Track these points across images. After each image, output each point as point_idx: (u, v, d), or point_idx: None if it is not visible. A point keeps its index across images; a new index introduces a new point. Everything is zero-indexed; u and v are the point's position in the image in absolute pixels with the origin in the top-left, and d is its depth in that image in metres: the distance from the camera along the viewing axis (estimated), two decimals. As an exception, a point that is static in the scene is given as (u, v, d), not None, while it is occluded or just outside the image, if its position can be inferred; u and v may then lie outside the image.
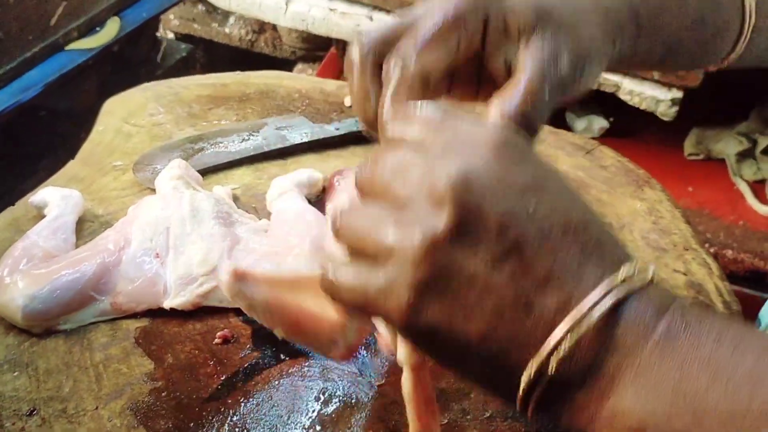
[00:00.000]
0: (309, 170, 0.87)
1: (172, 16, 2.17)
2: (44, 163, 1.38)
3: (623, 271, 0.38)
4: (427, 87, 0.48)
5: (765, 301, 1.32)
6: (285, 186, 0.83)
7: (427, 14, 0.47)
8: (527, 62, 0.47)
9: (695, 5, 0.57)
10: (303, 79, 1.12)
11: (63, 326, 0.71)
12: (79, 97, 1.43)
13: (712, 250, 1.33)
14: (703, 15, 0.57)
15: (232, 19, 2.18)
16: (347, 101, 1.05)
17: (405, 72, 0.47)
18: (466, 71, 0.51)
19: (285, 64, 2.17)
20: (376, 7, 1.38)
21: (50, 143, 1.42)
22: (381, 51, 0.49)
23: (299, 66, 2.15)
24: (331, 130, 0.97)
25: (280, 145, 0.94)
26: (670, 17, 0.56)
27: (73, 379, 0.66)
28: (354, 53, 0.49)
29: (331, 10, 1.39)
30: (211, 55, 2.25)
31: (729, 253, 1.32)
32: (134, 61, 1.62)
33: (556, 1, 0.49)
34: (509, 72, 0.49)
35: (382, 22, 0.47)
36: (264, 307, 0.53)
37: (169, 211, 0.75)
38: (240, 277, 0.52)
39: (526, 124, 0.47)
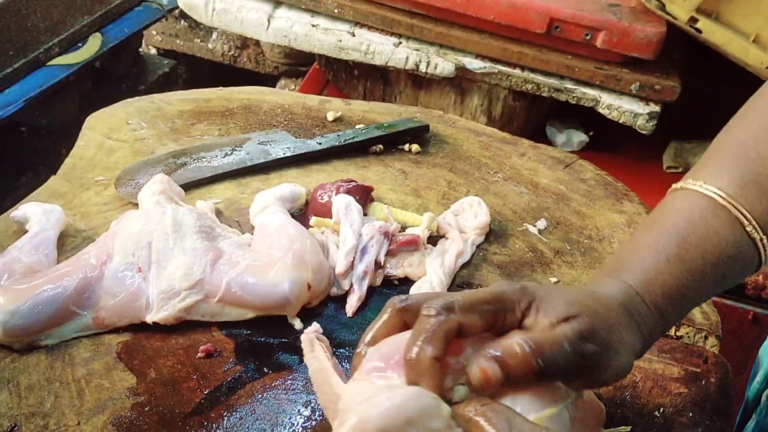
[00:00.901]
0: (291, 185, 0.87)
1: (154, 32, 2.18)
2: (25, 178, 1.37)
3: None
4: (458, 337, 0.52)
5: (745, 311, 1.34)
6: (268, 200, 0.84)
7: (478, 291, 0.54)
8: (557, 324, 0.51)
9: (713, 272, 0.60)
10: (285, 95, 1.12)
11: (44, 342, 0.70)
12: (60, 113, 1.43)
13: (691, 261, 1.34)
14: (723, 274, 0.61)
15: (214, 35, 2.19)
16: (330, 116, 1.06)
17: (448, 319, 0.51)
18: None
19: (268, 80, 2.18)
20: (358, 23, 1.39)
21: (31, 159, 1.41)
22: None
23: (282, 81, 2.15)
24: (313, 144, 0.98)
25: (262, 160, 0.94)
26: (693, 296, 0.61)
27: (55, 395, 0.66)
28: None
29: (313, 26, 1.39)
30: (194, 71, 2.25)
31: (708, 264, 1.34)
32: (116, 76, 1.62)
33: (593, 305, 0.54)
34: None
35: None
36: None
37: (152, 225, 0.75)
38: None
39: (539, 365, 0.50)
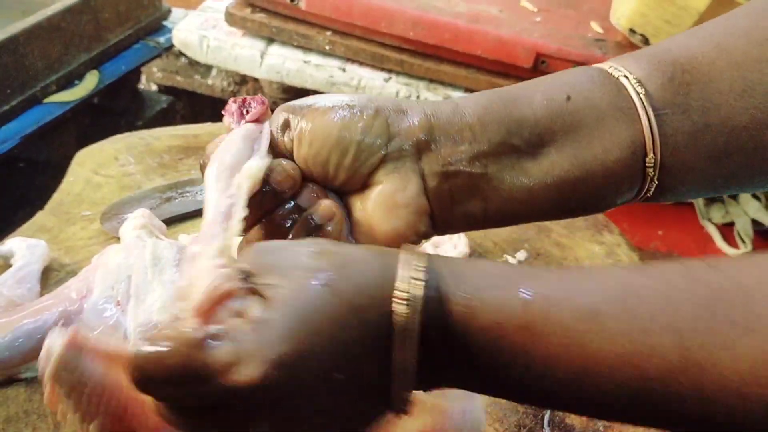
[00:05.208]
0: (273, 218, 0.88)
1: (155, 69, 2.21)
2: (22, 213, 1.39)
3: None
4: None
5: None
6: (248, 234, 0.85)
7: None
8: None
9: (548, 84, 0.52)
10: (273, 130, 1.14)
11: (24, 374, 0.72)
12: (58, 149, 1.45)
13: (681, 292, 1.34)
14: (569, 94, 0.50)
15: (214, 71, 2.22)
16: (315, 150, 1.08)
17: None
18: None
19: (266, 115, 2.20)
20: (348, 59, 1.42)
21: (28, 194, 1.43)
22: None
23: (281, 116, 2.18)
24: (297, 178, 0.99)
25: (247, 194, 0.96)
26: (519, 103, 0.51)
27: (33, 427, 0.67)
28: None
29: (305, 62, 1.42)
30: (195, 107, 2.28)
31: (699, 295, 1.33)
32: (114, 113, 1.64)
33: None
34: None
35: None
36: (93, 389, 0.43)
37: (132, 259, 0.76)
38: (78, 347, 0.43)
39: None
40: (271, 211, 0.51)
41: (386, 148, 0.50)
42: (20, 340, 0.71)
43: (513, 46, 1.33)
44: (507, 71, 1.36)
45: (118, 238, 0.86)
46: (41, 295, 0.79)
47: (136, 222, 0.81)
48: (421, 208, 0.50)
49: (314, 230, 0.50)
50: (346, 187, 0.52)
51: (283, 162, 0.51)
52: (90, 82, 1.44)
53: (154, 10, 1.61)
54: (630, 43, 1.33)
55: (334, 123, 0.50)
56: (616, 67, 0.51)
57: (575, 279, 0.43)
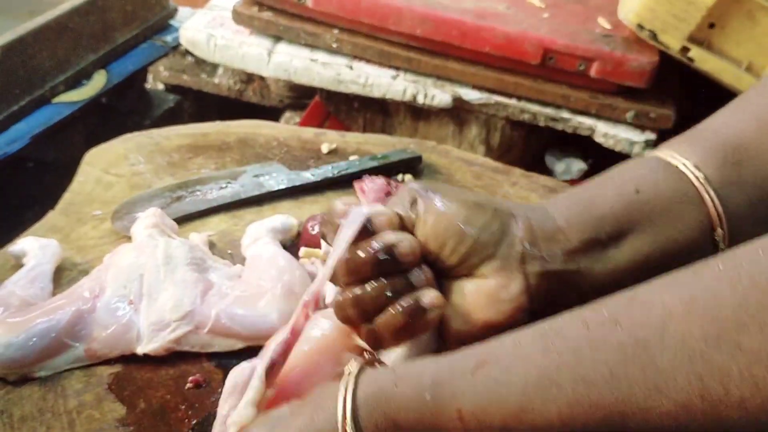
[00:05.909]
0: (283, 216, 0.89)
1: (162, 68, 2.21)
2: (30, 214, 1.39)
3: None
4: None
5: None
6: (259, 232, 0.85)
7: None
8: None
9: (615, 181, 0.59)
10: (281, 128, 1.14)
11: (38, 373, 0.72)
12: (66, 149, 1.45)
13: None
14: (637, 187, 0.57)
15: (220, 70, 2.22)
16: (324, 148, 1.08)
17: None
18: None
19: (273, 113, 2.20)
20: (356, 57, 1.42)
21: (37, 194, 1.44)
22: None
23: (287, 114, 2.18)
24: (307, 176, 0.99)
25: (256, 192, 0.96)
26: (595, 198, 0.58)
27: (47, 426, 0.67)
28: None
29: (312, 60, 1.42)
30: (201, 105, 2.28)
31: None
32: (122, 112, 1.65)
33: None
34: None
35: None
36: None
37: (143, 258, 0.77)
38: None
39: None
40: (384, 276, 0.55)
41: (497, 246, 0.55)
42: (34, 339, 0.71)
43: (520, 42, 1.33)
44: (515, 67, 1.36)
45: (130, 237, 0.86)
46: (54, 294, 0.79)
47: (147, 221, 0.82)
48: (523, 305, 0.56)
49: (418, 311, 0.54)
50: (450, 271, 0.57)
51: (410, 238, 0.56)
52: (98, 82, 1.44)
53: (161, 9, 1.62)
54: (638, 38, 1.33)
55: (458, 214, 0.56)
56: (673, 156, 0.58)
57: (496, 379, 0.46)
